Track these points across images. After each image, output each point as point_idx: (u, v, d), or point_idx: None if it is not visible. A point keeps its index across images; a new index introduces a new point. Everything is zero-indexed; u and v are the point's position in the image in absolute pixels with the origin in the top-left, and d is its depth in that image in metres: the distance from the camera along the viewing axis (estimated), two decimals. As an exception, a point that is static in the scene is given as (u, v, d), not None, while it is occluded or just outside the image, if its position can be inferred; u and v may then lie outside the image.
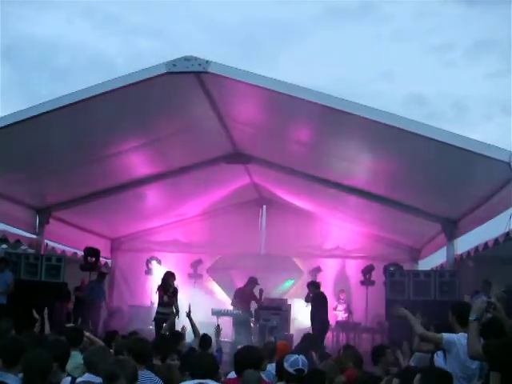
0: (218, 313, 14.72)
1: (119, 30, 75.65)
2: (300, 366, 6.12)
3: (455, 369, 5.72)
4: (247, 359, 6.24)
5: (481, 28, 65.97)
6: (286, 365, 6.16)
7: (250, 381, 5.77)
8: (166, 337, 9.57)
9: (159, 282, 14.29)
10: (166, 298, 13.71)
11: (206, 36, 65.20)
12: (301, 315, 16.11)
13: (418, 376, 4.62)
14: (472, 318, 5.28)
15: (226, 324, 15.22)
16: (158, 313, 13.77)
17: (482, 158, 8.72)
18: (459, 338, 6.10)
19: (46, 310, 8.94)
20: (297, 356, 6.32)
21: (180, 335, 9.49)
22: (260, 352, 6.76)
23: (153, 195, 16.66)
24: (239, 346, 8.71)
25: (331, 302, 16.59)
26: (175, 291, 13.96)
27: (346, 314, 16.95)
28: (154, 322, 13.82)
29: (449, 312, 6.59)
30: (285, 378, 6.11)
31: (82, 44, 71.29)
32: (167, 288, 13.87)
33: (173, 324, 11.69)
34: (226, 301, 17.63)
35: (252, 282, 16.16)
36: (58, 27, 74.46)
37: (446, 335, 6.21)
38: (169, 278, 14.03)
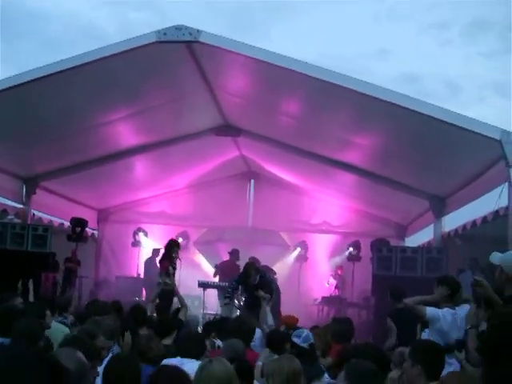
0: (204, 285, 14.66)
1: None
2: (312, 341, 6.30)
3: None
4: (239, 332, 6.28)
5: (478, 7, 65.56)
6: (298, 340, 6.31)
7: (235, 350, 5.77)
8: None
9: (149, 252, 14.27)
10: (171, 269, 13.19)
11: (198, 8, 64.46)
12: (285, 289, 16.13)
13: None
14: (467, 326, 5.31)
15: (212, 297, 15.24)
16: (163, 284, 13.03)
17: (472, 135, 8.72)
18: (444, 314, 6.15)
19: (30, 281, 8.96)
20: (307, 332, 6.49)
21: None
22: (251, 324, 6.82)
23: (141, 166, 16.57)
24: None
25: (319, 276, 16.64)
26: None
27: (338, 290, 17.02)
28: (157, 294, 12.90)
29: (435, 285, 6.62)
30: (295, 352, 6.10)
31: (72, 14, 70.31)
32: (172, 257, 13.38)
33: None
34: (211, 274, 17.64)
35: (234, 254, 16.09)
36: (48, -4, 73.39)
37: (429, 309, 6.27)
38: (173, 246, 13.52)
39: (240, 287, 11.79)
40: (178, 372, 4.04)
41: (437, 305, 6.47)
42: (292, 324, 9.35)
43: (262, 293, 10.15)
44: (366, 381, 4.05)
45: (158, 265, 13.56)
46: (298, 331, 6.78)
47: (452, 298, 6.28)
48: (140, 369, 4.25)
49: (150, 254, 17.45)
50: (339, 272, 17.46)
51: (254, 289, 10.71)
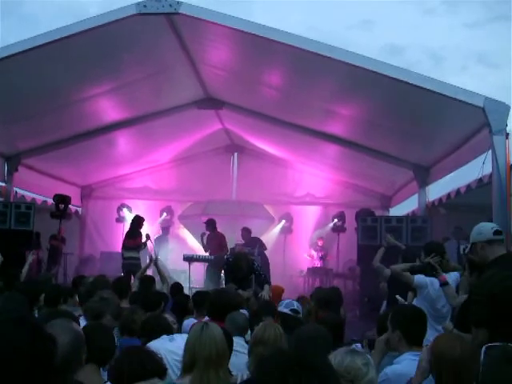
0: (189, 258, 14.63)
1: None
2: (295, 307, 6.35)
3: (424, 310, 5.77)
4: (227, 305, 6.26)
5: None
6: (280, 308, 6.41)
7: (237, 322, 5.77)
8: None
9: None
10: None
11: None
12: (271, 261, 16.18)
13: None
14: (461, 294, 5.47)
15: (198, 270, 15.24)
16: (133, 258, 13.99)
17: (456, 103, 8.69)
18: (431, 281, 6.19)
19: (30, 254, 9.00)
20: (289, 300, 6.74)
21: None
22: (239, 298, 6.83)
23: (123, 141, 16.47)
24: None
25: (304, 247, 16.68)
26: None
27: (321, 262, 17.11)
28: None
29: (421, 253, 6.65)
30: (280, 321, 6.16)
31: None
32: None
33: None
34: (197, 248, 17.64)
35: (210, 224, 15.65)
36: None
37: (417, 277, 6.32)
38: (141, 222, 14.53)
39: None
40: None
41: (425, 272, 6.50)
42: (278, 294, 9.44)
43: (246, 294, 9.72)
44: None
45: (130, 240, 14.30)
46: (280, 302, 6.90)
47: (440, 265, 6.30)
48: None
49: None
50: (319, 243, 17.54)
51: (242, 281, 10.24)
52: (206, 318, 6.34)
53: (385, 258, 9.03)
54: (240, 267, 10.06)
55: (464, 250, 5.76)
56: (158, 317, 5.84)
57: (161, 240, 17.46)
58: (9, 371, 1.88)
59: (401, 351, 4.34)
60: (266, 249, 15.49)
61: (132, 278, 11.14)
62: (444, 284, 5.90)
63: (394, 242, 9.79)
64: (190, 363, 4.15)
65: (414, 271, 6.44)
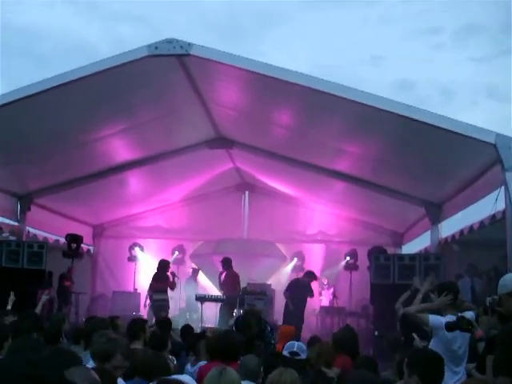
0: (202, 298, 14.61)
1: (101, 16, 74.77)
2: (295, 349, 6.25)
3: (440, 352, 5.69)
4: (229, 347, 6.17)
5: (469, 11, 65.84)
6: (284, 352, 6.34)
7: (249, 366, 5.66)
8: None
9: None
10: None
11: (189, 22, 64.61)
12: (283, 300, 16.13)
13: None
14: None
15: (210, 309, 15.23)
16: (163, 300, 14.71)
17: (467, 140, 8.67)
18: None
19: (11, 295, 8.94)
20: (294, 342, 6.50)
21: None
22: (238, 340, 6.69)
23: (134, 181, 16.54)
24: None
25: (317, 287, 16.59)
26: None
27: (332, 299, 16.97)
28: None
29: (435, 293, 6.57)
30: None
31: (64, 31, 70.40)
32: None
33: None
34: (209, 287, 17.62)
35: (226, 262, 15.76)
36: (39, 14, 73.42)
37: (432, 317, 6.19)
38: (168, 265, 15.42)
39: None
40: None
41: (439, 312, 6.40)
42: (286, 335, 9.28)
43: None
44: None
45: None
46: (286, 344, 6.79)
47: (454, 305, 6.23)
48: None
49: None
50: (324, 282, 17.45)
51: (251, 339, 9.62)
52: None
53: (397, 297, 8.84)
54: (249, 324, 9.17)
55: (490, 302, 5.69)
56: (156, 355, 5.75)
57: (190, 281, 17.53)
58: None
59: None
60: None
61: None
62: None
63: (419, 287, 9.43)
64: None
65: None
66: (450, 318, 6.02)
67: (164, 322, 9.44)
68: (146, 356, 5.55)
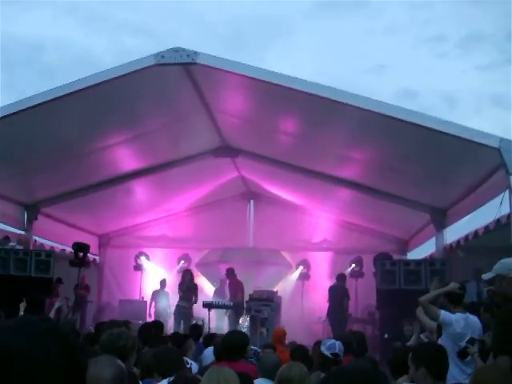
0: (209, 305, 14.68)
1: (105, 27, 75.25)
2: (336, 351, 6.26)
3: (449, 347, 5.74)
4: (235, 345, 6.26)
5: (474, 20, 66.11)
6: (323, 348, 6.29)
7: (267, 364, 5.73)
8: None
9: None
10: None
11: (193, 33, 64.95)
12: (289, 308, 16.22)
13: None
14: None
15: (215, 317, 15.34)
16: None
17: (470, 145, 8.73)
18: (456, 318, 6.19)
19: (23, 302, 9.02)
20: (334, 341, 6.47)
21: None
22: (246, 338, 6.80)
23: (140, 190, 16.59)
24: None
25: (325, 293, 16.66)
26: None
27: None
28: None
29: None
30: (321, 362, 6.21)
31: (68, 42, 70.83)
32: None
33: None
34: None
35: (231, 272, 16.52)
36: (43, 26, 73.91)
37: (444, 312, 6.29)
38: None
39: None
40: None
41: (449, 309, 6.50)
42: (281, 338, 9.41)
43: None
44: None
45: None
46: (326, 339, 6.84)
47: (454, 303, 6.35)
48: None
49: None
50: None
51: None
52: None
53: (403, 303, 8.88)
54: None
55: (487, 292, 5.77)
56: (168, 350, 5.80)
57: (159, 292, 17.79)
58: None
59: None
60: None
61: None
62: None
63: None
64: None
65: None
66: (459, 315, 6.12)
67: (196, 328, 10.15)
68: (158, 351, 5.63)
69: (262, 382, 5.20)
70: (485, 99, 71.47)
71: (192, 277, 16.39)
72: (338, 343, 6.48)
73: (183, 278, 16.34)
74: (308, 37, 69.29)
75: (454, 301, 6.46)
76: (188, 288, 15.92)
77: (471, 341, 5.97)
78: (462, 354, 5.96)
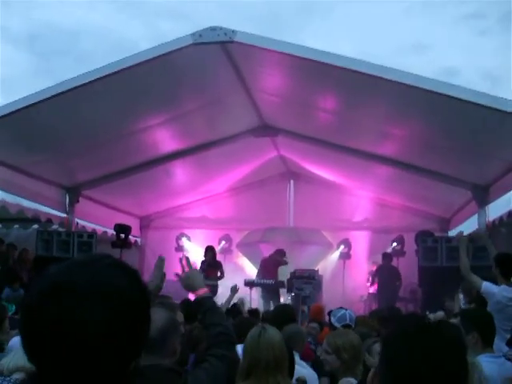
0: (250, 284, 14.75)
1: (140, 12, 75.50)
2: (347, 322, 6.20)
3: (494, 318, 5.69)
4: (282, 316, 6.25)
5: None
6: (332, 319, 6.24)
7: (293, 335, 5.71)
8: None
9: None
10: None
11: (229, 15, 64.70)
12: (330, 287, 16.21)
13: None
14: None
15: (254, 296, 15.39)
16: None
17: (513, 118, 8.59)
18: (500, 290, 6.11)
19: None
20: (344, 311, 6.39)
21: None
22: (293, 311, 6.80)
23: (180, 172, 16.64)
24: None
25: (364, 273, 16.59)
26: None
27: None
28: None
29: (493, 264, 6.58)
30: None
31: (103, 28, 71.25)
32: None
33: None
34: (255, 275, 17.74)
35: (278, 253, 16.32)
36: (79, 13, 74.35)
37: (486, 283, 6.24)
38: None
39: None
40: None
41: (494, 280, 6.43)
42: (320, 314, 9.40)
43: None
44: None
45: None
46: (335, 310, 6.66)
47: (505, 275, 6.25)
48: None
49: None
50: (373, 268, 17.39)
51: None
52: None
53: (446, 280, 8.81)
54: None
55: None
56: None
57: None
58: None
59: (476, 353, 4.27)
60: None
61: None
62: None
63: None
64: (247, 369, 4.03)
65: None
66: (504, 288, 6.05)
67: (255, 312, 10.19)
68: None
69: None
70: (527, 75, 70.09)
71: (214, 254, 16.24)
72: (348, 313, 6.39)
73: (204, 255, 16.19)
74: (345, 16, 68.65)
75: (503, 272, 6.36)
76: (209, 265, 15.76)
77: None
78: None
